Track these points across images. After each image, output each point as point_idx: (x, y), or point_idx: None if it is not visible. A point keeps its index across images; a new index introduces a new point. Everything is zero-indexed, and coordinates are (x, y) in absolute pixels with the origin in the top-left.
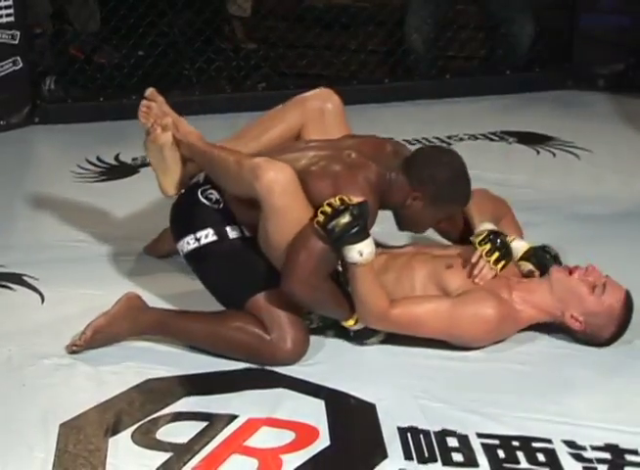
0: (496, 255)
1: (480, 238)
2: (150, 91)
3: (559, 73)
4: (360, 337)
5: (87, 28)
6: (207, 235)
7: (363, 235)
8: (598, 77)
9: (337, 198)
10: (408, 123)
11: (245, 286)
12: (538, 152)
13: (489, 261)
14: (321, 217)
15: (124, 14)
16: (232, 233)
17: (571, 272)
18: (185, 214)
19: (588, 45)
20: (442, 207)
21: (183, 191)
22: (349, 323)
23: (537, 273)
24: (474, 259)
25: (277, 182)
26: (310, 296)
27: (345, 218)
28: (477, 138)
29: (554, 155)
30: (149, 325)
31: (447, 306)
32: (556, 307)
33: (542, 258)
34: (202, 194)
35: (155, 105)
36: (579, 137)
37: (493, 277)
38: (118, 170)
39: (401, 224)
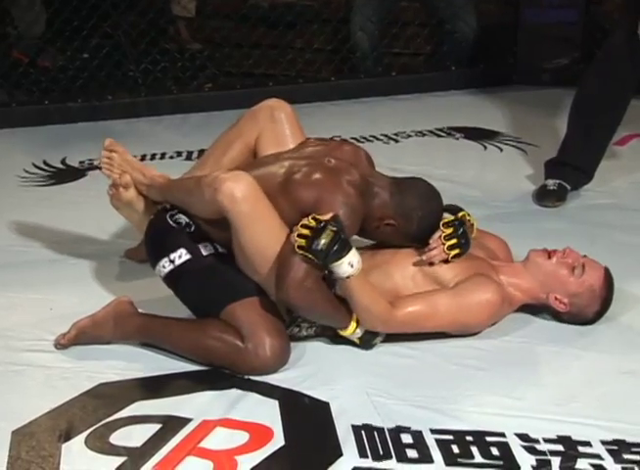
0: (453, 241)
1: (445, 221)
2: (109, 141)
3: (504, 69)
4: (367, 343)
5: (32, 32)
6: (181, 255)
7: (347, 247)
8: (543, 72)
9: (309, 218)
10: (355, 121)
11: (221, 297)
12: (485, 147)
13: (444, 245)
14: (302, 241)
15: (68, 16)
16: (205, 250)
17: (549, 256)
18: (157, 240)
19: (533, 40)
20: (405, 239)
21: (152, 217)
22: (349, 332)
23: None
24: (432, 241)
25: (236, 189)
26: (307, 299)
27: (327, 236)
28: (424, 135)
29: (501, 150)
30: (134, 331)
31: (449, 298)
32: (540, 290)
33: (453, 207)
34: (171, 218)
35: (116, 156)
36: (526, 132)
37: (445, 262)
38: (65, 174)
39: (363, 233)
